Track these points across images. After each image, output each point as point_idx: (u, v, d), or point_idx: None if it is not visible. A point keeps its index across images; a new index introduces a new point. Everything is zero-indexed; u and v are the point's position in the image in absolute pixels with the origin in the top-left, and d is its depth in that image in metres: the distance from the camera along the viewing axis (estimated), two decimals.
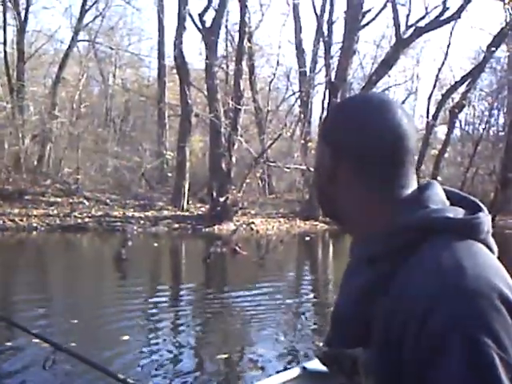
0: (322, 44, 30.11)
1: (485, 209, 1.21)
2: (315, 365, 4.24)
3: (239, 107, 24.94)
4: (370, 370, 1.13)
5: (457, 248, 1.11)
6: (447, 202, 1.22)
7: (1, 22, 31.10)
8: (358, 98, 1.39)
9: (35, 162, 28.28)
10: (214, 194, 23.21)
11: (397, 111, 1.23)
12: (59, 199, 23.89)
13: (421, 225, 1.15)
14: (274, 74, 33.24)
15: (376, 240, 1.18)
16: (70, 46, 32.23)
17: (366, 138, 1.22)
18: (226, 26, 31.56)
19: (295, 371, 4.38)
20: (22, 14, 31.59)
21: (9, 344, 6.41)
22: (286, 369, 5.30)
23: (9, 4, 31.07)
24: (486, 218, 1.18)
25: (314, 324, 8.40)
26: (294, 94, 36.22)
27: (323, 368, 1.33)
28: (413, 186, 1.24)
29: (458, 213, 1.18)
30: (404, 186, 1.22)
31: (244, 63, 27.10)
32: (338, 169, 1.25)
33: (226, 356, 6.47)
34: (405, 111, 1.25)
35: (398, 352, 1.07)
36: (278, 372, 5.09)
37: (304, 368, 4.38)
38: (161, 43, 34.23)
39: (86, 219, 21.40)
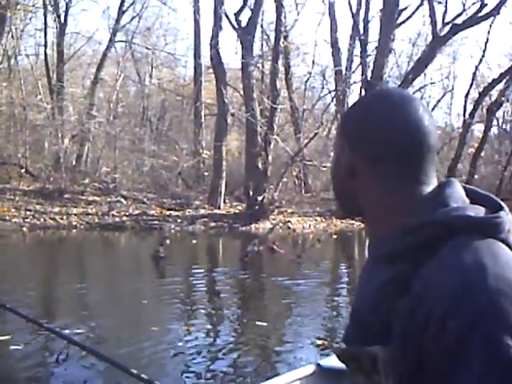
0: (357, 42, 29.99)
1: (506, 207, 1.18)
2: (330, 362, 4.21)
3: (275, 106, 24.94)
4: (390, 369, 1.12)
5: (478, 247, 1.10)
6: (467, 201, 1.20)
7: (42, 24, 31.60)
8: (378, 93, 1.39)
9: (74, 162, 28.65)
10: (251, 193, 23.28)
11: (417, 107, 1.23)
12: (97, 198, 24.17)
13: (441, 223, 1.14)
14: (310, 73, 33.30)
15: (395, 238, 1.17)
16: (107, 47, 32.64)
17: (386, 134, 1.21)
18: (262, 26, 31.59)
19: (310, 368, 4.32)
20: (62, 17, 32.05)
21: (27, 340, 6.46)
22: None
23: (49, 7, 31.51)
24: (507, 216, 1.16)
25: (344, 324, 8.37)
26: (329, 92, 36.13)
27: (338, 365, 1.32)
28: (433, 183, 1.23)
29: (479, 211, 1.16)
30: (424, 184, 1.21)
31: (280, 62, 27.11)
32: (356, 164, 1.24)
33: (256, 354, 6.50)
34: (425, 108, 1.24)
35: (418, 352, 1.07)
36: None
37: (319, 365, 4.32)
38: (197, 43, 34.37)
39: (124, 218, 21.61)
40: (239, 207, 25.14)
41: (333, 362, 4.03)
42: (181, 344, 6.83)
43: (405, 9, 26.95)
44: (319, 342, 7.03)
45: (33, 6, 33.07)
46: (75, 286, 10.65)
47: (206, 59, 32.96)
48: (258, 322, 7.88)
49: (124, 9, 33.62)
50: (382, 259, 1.20)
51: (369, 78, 25.83)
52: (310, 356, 6.24)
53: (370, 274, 1.23)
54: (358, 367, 1.20)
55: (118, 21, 33.32)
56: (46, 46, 32.11)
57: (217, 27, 26.50)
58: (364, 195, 1.25)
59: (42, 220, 20.25)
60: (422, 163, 1.21)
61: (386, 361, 1.13)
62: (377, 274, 1.19)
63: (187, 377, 5.67)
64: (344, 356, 1.25)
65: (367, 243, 1.28)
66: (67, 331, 6.45)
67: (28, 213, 20.64)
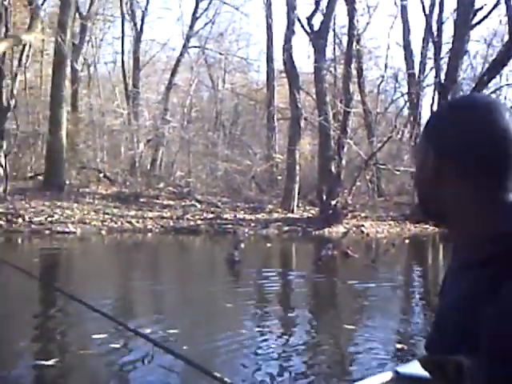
0: (431, 45, 29.62)
1: None
2: (409, 369, 4.08)
3: (348, 110, 24.89)
4: (477, 377, 1.08)
5: None
6: None
7: (119, 33, 32.43)
8: (464, 98, 1.42)
9: (149, 166, 29.18)
10: (324, 197, 23.30)
11: (504, 113, 1.21)
12: (172, 202, 24.57)
13: None
14: (383, 77, 33.01)
15: (484, 244, 1.14)
16: (181, 53, 33.19)
17: (473, 140, 1.20)
18: (334, 30, 31.53)
19: (387, 375, 4.20)
20: (138, 25, 32.82)
21: (112, 341, 6.58)
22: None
23: (127, 16, 32.29)
24: None
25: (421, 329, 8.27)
26: (402, 95, 35.74)
27: (417, 373, 1.26)
28: None
29: None
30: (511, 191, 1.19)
31: (352, 66, 27.05)
32: (442, 169, 1.24)
33: (330, 357, 6.50)
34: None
35: (506, 366, 1.03)
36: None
37: (397, 372, 4.18)
38: (269, 47, 34.57)
39: (198, 222, 21.90)
40: (312, 211, 25.18)
41: (411, 369, 3.97)
42: (255, 345, 6.88)
43: (480, 8, 26.40)
44: (396, 347, 6.95)
45: (111, 15, 33.99)
46: (152, 288, 10.89)
47: (278, 63, 33.20)
48: (332, 325, 7.90)
49: (197, 15, 34.15)
50: (470, 265, 1.18)
51: (442, 81, 25.55)
52: (386, 362, 6.20)
53: (456, 281, 1.22)
54: (442, 376, 1.17)
55: (191, 27, 33.86)
56: (123, 53, 32.93)
57: (289, 31, 26.60)
58: (449, 200, 1.24)
59: (119, 223, 20.71)
60: (509, 171, 1.19)
61: (472, 372, 1.09)
62: (463, 280, 1.18)
63: (262, 380, 5.71)
64: (428, 364, 1.22)
65: (451, 249, 1.28)
66: (148, 331, 6.60)
67: (106, 216, 21.15)
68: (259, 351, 6.69)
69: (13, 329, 7.34)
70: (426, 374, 1.22)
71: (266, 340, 7.18)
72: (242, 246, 14.24)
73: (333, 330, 7.64)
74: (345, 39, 28.29)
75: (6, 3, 22.67)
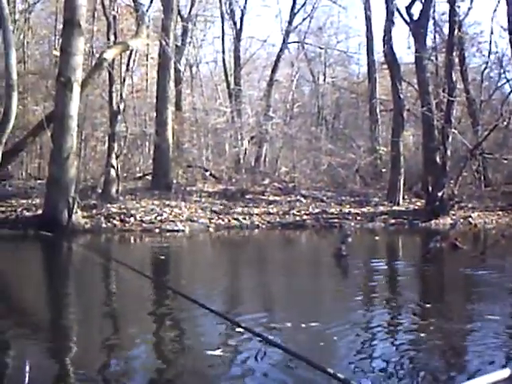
0: None
1: None
2: None
3: (452, 99, 24.46)
4: None
5: None
6: None
7: (219, 32, 33.03)
8: None
9: (253, 163, 29.56)
10: (430, 189, 23.05)
11: None
12: (277, 198, 24.83)
13: None
14: (487, 63, 32.24)
15: None
16: (281, 49, 33.42)
17: None
18: (434, 17, 30.97)
19: (505, 372, 4.14)
20: (238, 24, 33.30)
21: (222, 337, 6.72)
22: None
23: (226, 16, 32.84)
24: None
25: None
26: (508, 81, 34.80)
27: None
28: None
29: None
30: None
31: (454, 53, 26.56)
32: None
33: (440, 353, 6.31)
34: None
35: None
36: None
37: None
38: (369, 39, 34.37)
39: (304, 216, 22.05)
40: (418, 203, 24.94)
41: None
42: (367, 339, 6.84)
43: None
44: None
45: (211, 16, 34.62)
46: (261, 283, 11.04)
47: (378, 55, 32.97)
48: (443, 319, 7.78)
49: (295, 11, 34.31)
50: None
51: None
52: (500, 358, 6.00)
53: None
54: None
55: (290, 23, 34.05)
56: (223, 52, 33.52)
57: (389, 22, 26.43)
58: None
59: (226, 220, 21.11)
60: None
61: None
62: None
63: (375, 375, 5.66)
64: None
65: None
66: (258, 326, 6.71)
67: (213, 213, 21.60)
68: (372, 345, 6.66)
69: (127, 326, 7.61)
70: None
71: (374, 335, 7.11)
72: (349, 240, 14.24)
73: (443, 323, 7.46)
74: (445, 27, 27.79)
75: (113, 12, 23.51)
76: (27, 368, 4.98)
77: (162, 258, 14.58)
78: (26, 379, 4.81)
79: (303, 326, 7.05)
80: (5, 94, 19.95)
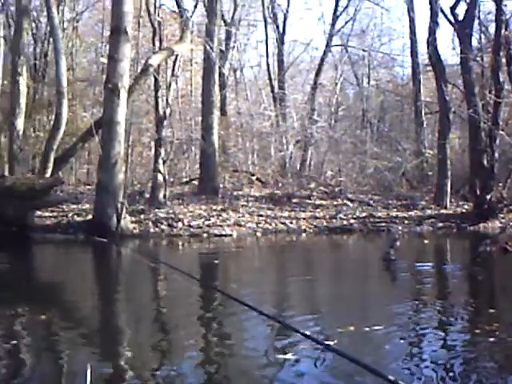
0: None
1: None
2: None
3: (499, 100, 24.18)
4: None
5: None
6: None
7: (262, 36, 33.20)
8: None
9: (298, 167, 29.58)
10: (478, 192, 22.83)
11: None
12: (324, 202, 24.82)
13: None
14: None
15: None
16: (324, 52, 33.48)
17: None
18: (479, 17, 30.68)
19: None
20: (281, 27, 33.43)
21: (279, 342, 6.67)
22: None
23: (269, 19, 32.98)
24: None
25: None
26: None
27: None
28: None
29: None
30: None
31: (501, 54, 26.24)
32: None
33: (489, 355, 6.27)
34: None
35: None
36: None
37: None
38: (413, 41, 34.13)
39: (351, 221, 22.00)
40: (466, 206, 24.71)
41: None
42: (414, 342, 6.80)
43: None
44: None
45: (254, 20, 34.81)
46: (310, 287, 11.05)
47: (423, 57, 32.74)
48: (494, 323, 7.53)
49: (338, 13, 34.32)
50: None
51: None
52: None
53: None
54: None
55: (333, 25, 34.09)
56: (267, 56, 33.63)
57: (433, 23, 26.27)
58: None
59: (273, 224, 21.17)
60: None
61: None
62: None
63: (427, 379, 5.61)
64: None
65: None
66: (311, 331, 6.71)
67: (260, 218, 21.67)
68: (422, 347, 6.62)
69: (179, 328, 7.68)
70: None
71: (428, 336, 7.08)
72: (398, 244, 14.19)
73: (497, 325, 7.35)
74: (491, 26, 27.48)
75: (158, 18, 23.77)
76: (89, 372, 5.07)
77: (216, 262, 14.66)
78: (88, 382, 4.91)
79: (352, 329, 7.06)
80: (56, 101, 20.35)
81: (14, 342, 6.68)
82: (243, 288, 10.41)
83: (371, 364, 4.44)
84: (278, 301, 9.96)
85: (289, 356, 6.05)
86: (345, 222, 21.78)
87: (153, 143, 25.79)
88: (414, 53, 33.91)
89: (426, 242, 18.79)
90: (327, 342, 5.91)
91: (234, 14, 32.23)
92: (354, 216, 22.48)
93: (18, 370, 5.77)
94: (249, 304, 6.66)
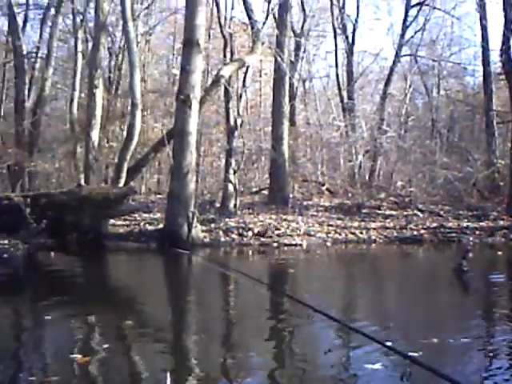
0: None
1: None
2: None
3: None
4: None
5: None
6: None
7: (331, 47, 33.36)
8: None
9: (367, 177, 29.52)
10: None
11: None
12: (394, 212, 24.71)
13: None
14: None
15: None
16: (394, 62, 33.36)
17: None
18: None
19: None
20: (350, 38, 33.49)
21: (358, 352, 6.73)
22: None
23: (338, 30, 33.08)
24: None
25: None
26: None
27: None
28: None
29: None
30: None
31: None
32: None
33: None
34: None
35: None
36: None
37: None
38: (485, 49, 33.65)
39: (422, 231, 21.81)
40: None
41: None
42: (488, 354, 6.70)
43: None
44: None
45: (323, 31, 34.96)
46: (382, 297, 11.14)
47: (495, 65, 32.27)
48: None
49: (407, 23, 34.13)
50: None
51: None
52: None
53: None
54: None
55: (402, 36, 33.91)
56: (336, 66, 33.72)
57: (507, 31, 25.91)
58: None
59: (343, 235, 21.15)
60: None
61: None
62: None
63: None
64: None
65: None
66: (389, 342, 6.75)
67: (330, 228, 21.69)
68: (495, 360, 6.53)
69: (253, 333, 7.88)
70: None
71: (502, 348, 7.00)
72: (470, 255, 14.04)
73: None
74: None
75: (229, 30, 24.13)
76: (168, 381, 5.24)
77: (291, 271, 14.77)
78: None
79: (435, 340, 7.04)
80: (129, 113, 20.84)
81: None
82: (317, 296, 10.49)
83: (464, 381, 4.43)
84: (353, 310, 10.01)
85: (376, 366, 6.06)
86: (415, 233, 21.60)
87: (223, 153, 26.11)
88: (486, 61, 33.41)
89: (499, 253, 18.51)
90: (411, 354, 5.94)
91: (303, 24, 32.47)
92: (425, 226, 22.27)
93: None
94: (332, 316, 6.73)
